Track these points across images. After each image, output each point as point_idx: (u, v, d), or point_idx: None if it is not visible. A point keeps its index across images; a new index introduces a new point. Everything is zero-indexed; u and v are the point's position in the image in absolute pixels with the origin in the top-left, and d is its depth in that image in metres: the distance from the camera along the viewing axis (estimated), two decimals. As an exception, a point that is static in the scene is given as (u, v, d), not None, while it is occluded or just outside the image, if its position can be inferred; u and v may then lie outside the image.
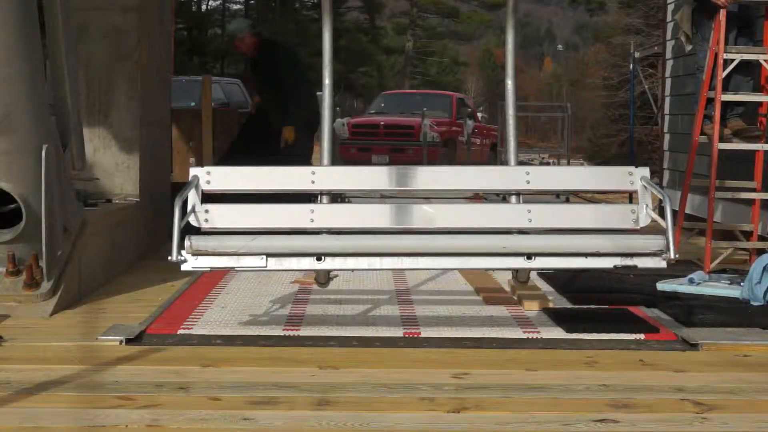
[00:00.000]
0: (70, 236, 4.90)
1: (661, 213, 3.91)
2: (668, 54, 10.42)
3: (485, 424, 3.03)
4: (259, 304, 4.84)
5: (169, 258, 3.75)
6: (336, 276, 4.46)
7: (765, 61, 6.21)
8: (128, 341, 4.08)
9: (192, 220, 3.97)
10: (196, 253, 3.88)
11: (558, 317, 4.49)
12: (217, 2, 39.20)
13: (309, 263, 3.98)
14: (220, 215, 4.05)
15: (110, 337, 4.12)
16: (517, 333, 4.26)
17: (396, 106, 20.21)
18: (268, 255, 3.91)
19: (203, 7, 37.94)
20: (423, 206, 4.13)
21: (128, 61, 6.25)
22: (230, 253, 3.89)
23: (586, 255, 3.97)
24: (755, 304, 4.86)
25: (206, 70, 29.63)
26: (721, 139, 6.27)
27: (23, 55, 4.58)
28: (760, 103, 6.41)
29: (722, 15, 6.12)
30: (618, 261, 3.96)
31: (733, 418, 3.11)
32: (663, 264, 3.95)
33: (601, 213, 4.36)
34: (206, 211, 4.02)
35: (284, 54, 8.35)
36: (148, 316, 4.53)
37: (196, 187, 4.03)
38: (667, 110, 10.60)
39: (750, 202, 6.53)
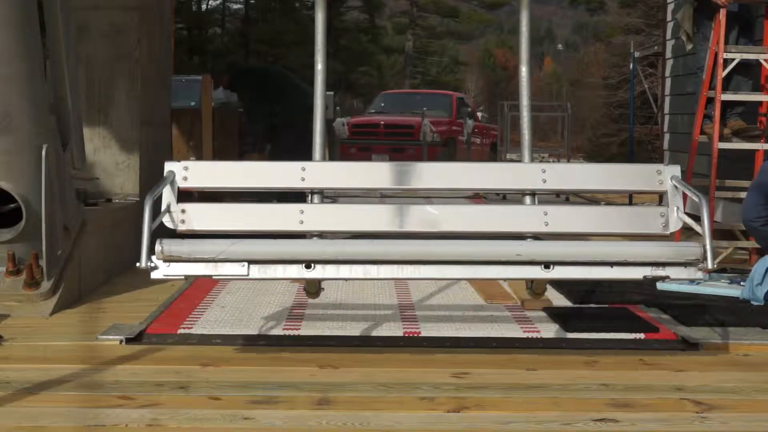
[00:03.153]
0: (70, 236, 4.90)
1: (694, 217, 3.59)
2: (668, 53, 10.43)
3: (485, 424, 3.03)
4: (259, 303, 4.84)
5: (138, 265, 3.36)
6: (323, 290, 4.09)
7: (765, 60, 6.21)
8: (128, 341, 4.08)
9: (166, 220, 3.60)
10: (168, 259, 3.46)
11: (558, 317, 4.49)
12: (217, 2, 39.18)
13: (297, 271, 3.55)
14: (198, 215, 3.65)
15: (110, 337, 4.12)
16: (517, 333, 4.26)
17: (396, 105, 20.21)
18: (251, 262, 3.50)
19: (203, 7, 37.91)
20: (426, 207, 3.75)
21: (128, 61, 6.25)
22: (207, 259, 3.47)
23: (611, 264, 3.56)
24: (755, 304, 4.86)
25: (206, 69, 29.64)
26: (721, 139, 6.27)
27: (23, 54, 4.58)
28: (759, 103, 6.41)
29: (722, 14, 6.12)
30: (648, 271, 3.56)
31: (733, 418, 3.11)
32: (699, 275, 3.58)
33: (626, 216, 3.95)
34: (182, 210, 3.62)
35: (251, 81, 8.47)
36: (148, 315, 4.52)
37: (171, 183, 3.63)
38: (667, 110, 10.62)
39: (750, 202, 6.52)
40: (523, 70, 4.05)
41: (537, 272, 3.59)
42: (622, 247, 3.62)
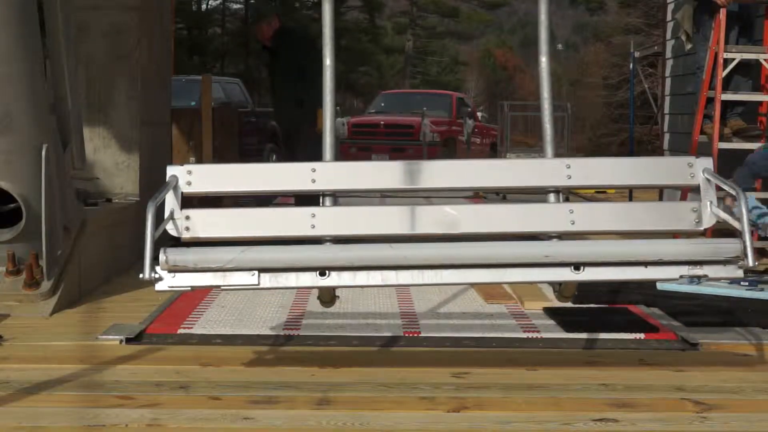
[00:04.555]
0: (70, 236, 4.90)
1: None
2: (668, 53, 10.42)
3: (485, 424, 3.03)
4: (259, 303, 4.84)
5: (141, 276, 3.17)
6: (338, 297, 3.85)
7: (765, 60, 6.21)
8: (128, 340, 4.08)
9: (169, 228, 3.39)
10: (174, 270, 3.28)
11: (558, 317, 4.49)
12: (217, 2, 39.17)
13: (311, 279, 3.36)
14: (204, 222, 3.43)
15: (110, 337, 4.12)
16: (517, 333, 4.26)
17: (396, 105, 20.20)
18: (261, 270, 3.32)
19: (203, 7, 37.90)
20: (444, 208, 3.51)
21: (128, 61, 6.26)
22: (215, 268, 3.29)
23: (645, 264, 3.36)
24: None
25: (206, 69, 29.61)
26: (721, 139, 6.27)
27: (23, 54, 4.58)
28: (759, 103, 6.41)
29: (722, 14, 6.12)
30: (685, 270, 3.36)
31: (733, 418, 3.11)
32: (739, 273, 3.38)
33: (656, 212, 3.65)
34: (187, 217, 3.40)
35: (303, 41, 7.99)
36: (148, 315, 4.53)
37: (175, 188, 3.42)
38: (666, 110, 10.60)
39: (750, 202, 6.52)
40: (543, 61, 3.73)
41: (566, 274, 3.38)
42: (656, 246, 3.39)
